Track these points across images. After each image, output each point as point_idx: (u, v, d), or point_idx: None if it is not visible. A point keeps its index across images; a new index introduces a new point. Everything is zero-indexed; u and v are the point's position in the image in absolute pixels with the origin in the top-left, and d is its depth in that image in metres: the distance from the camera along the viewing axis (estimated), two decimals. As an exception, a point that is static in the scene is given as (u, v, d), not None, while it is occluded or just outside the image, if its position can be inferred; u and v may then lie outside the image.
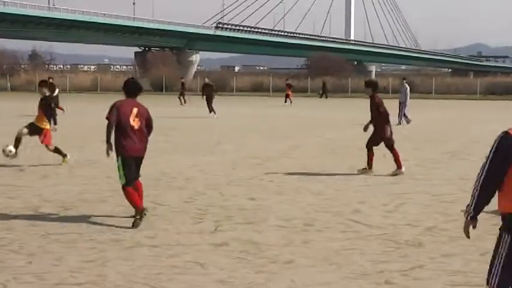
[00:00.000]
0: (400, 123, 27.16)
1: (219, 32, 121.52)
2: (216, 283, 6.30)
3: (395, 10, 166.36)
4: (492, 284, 4.25)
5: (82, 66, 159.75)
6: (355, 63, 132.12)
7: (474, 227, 4.45)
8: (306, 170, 14.00)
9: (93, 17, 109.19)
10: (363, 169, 13.54)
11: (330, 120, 31.03)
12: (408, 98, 28.64)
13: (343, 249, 7.51)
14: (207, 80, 35.38)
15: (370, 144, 13.60)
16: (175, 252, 7.31)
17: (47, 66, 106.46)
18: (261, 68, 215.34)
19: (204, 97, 33.48)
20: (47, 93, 14.84)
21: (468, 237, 4.49)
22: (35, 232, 8.21)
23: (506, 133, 4.27)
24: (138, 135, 8.81)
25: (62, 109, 30.44)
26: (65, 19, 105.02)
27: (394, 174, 13.23)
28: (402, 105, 28.34)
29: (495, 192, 4.31)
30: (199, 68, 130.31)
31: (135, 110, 8.80)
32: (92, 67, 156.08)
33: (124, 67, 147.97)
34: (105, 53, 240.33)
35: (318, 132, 24.05)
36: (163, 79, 75.43)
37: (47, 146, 14.39)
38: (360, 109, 32.23)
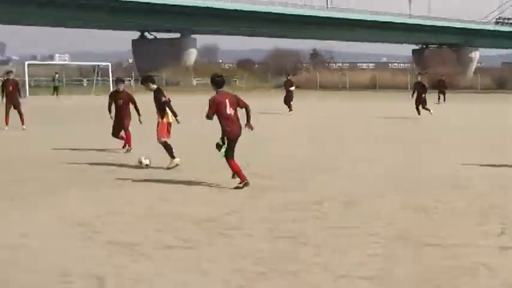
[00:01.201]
0: None
1: (499, 27, 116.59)
2: (505, 287, 6.10)
3: None
4: None
5: (360, 64, 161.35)
6: None
7: None
8: None
9: (373, 16, 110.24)
10: None
11: None
12: None
13: None
14: (289, 77, 34.95)
15: None
16: (460, 253, 7.17)
17: (327, 64, 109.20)
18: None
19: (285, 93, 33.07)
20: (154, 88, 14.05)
21: None
22: (320, 225, 8.50)
23: None
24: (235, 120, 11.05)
25: None
26: (341, 18, 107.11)
27: None
28: None
29: None
30: (478, 65, 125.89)
31: (227, 101, 10.99)
32: (370, 65, 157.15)
33: (402, 65, 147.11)
34: (383, 51, 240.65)
35: None
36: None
37: (158, 138, 13.73)
38: None
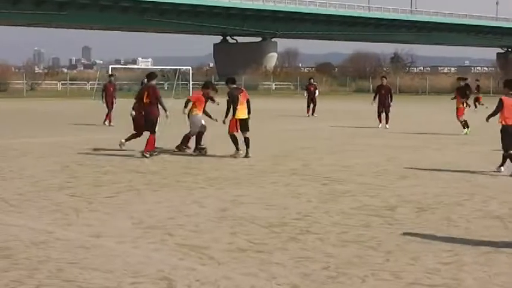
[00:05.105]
0: None
1: None
2: None
3: None
4: None
5: (442, 68, 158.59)
6: None
7: None
8: None
9: (455, 19, 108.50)
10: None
11: None
12: None
13: None
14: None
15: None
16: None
17: (407, 68, 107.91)
18: None
19: None
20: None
21: None
22: (392, 231, 8.41)
23: None
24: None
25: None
26: (426, 21, 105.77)
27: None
28: None
29: None
30: None
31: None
32: (452, 69, 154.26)
33: (485, 69, 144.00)
34: (466, 54, 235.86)
35: None
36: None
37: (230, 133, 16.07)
38: None
